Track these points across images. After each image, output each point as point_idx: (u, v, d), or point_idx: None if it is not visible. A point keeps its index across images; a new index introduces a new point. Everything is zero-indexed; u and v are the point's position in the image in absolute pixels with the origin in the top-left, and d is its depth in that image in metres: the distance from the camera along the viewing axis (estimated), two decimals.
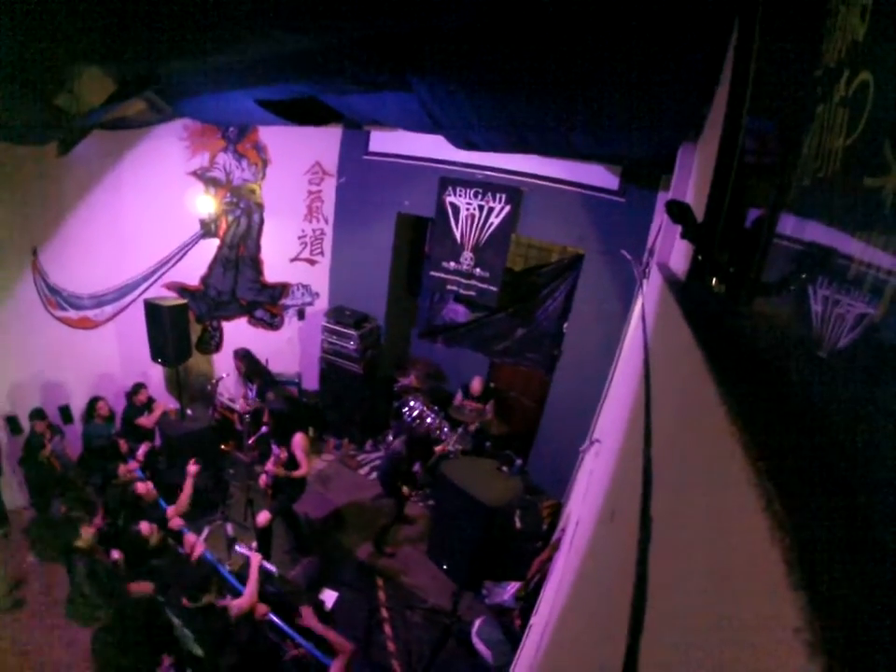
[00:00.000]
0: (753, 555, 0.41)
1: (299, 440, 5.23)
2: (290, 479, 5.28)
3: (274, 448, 5.27)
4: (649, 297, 2.79)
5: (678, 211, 1.30)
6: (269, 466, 5.28)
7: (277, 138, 7.20)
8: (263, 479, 5.39)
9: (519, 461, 5.69)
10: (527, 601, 4.40)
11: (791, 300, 1.06)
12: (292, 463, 5.24)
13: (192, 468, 5.24)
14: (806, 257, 1.16)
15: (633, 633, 0.66)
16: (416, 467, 5.77)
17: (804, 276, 1.07)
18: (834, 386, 0.65)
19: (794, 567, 0.35)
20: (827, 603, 0.32)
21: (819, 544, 0.38)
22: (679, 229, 2.79)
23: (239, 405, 6.99)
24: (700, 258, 1.42)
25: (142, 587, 4.20)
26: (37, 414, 5.82)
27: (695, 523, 0.58)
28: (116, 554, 4.51)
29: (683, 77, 2.47)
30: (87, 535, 4.50)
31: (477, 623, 4.66)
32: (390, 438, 7.54)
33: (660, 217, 4.64)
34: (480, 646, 4.51)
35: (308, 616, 3.75)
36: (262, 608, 4.16)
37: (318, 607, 4.63)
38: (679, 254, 2.51)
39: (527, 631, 3.75)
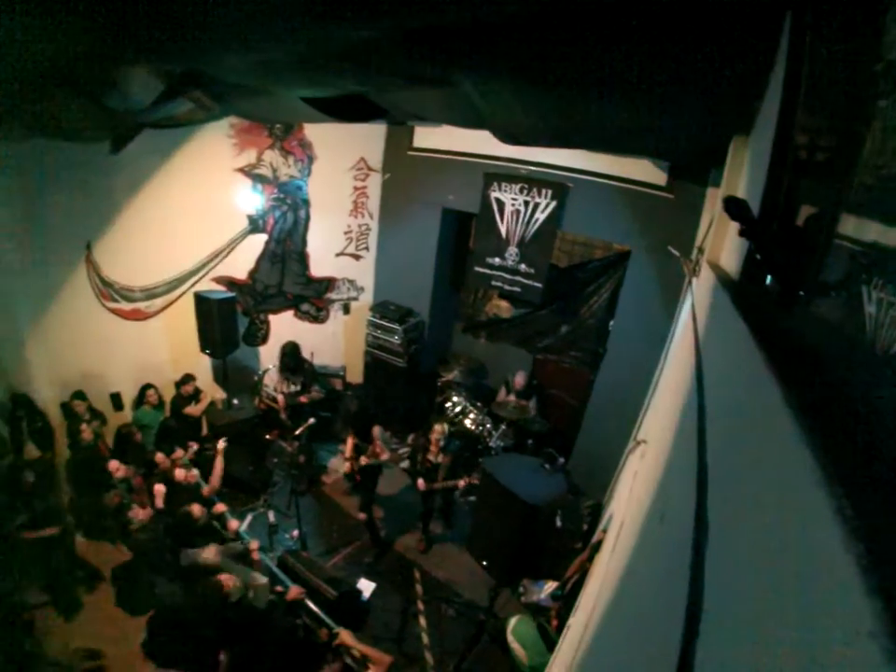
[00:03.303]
0: (824, 561, 0.40)
1: (378, 431, 5.76)
2: (379, 465, 5.86)
3: (348, 440, 5.90)
4: (699, 296, 2.73)
5: (735, 209, 1.27)
6: (363, 459, 5.71)
7: (323, 135, 7.30)
8: (348, 466, 5.92)
9: (561, 459, 5.65)
10: (564, 601, 4.37)
11: (852, 301, 1.03)
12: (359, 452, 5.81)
13: (220, 444, 5.57)
14: (869, 257, 1.12)
15: (687, 637, 0.65)
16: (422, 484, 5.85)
17: (865, 277, 1.04)
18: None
19: (869, 573, 0.35)
20: None
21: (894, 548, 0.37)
22: (730, 226, 2.72)
23: (279, 400, 7.12)
24: (758, 257, 1.38)
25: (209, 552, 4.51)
26: (77, 395, 6.12)
27: (760, 528, 0.57)
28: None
29: (733, 71, 2.41)
30: (142, 516, 4.77)
31: (513, 621, 4.64)
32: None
33: (709, 214, 4.53)
34: (514, 644, 4.49)
35: (345, 636, 3.82)
36: (296, 589, 4.27)
37: (354, 601, 4.73)
38: (730, 252, 2.45)
39: (565, 632, 3.73)
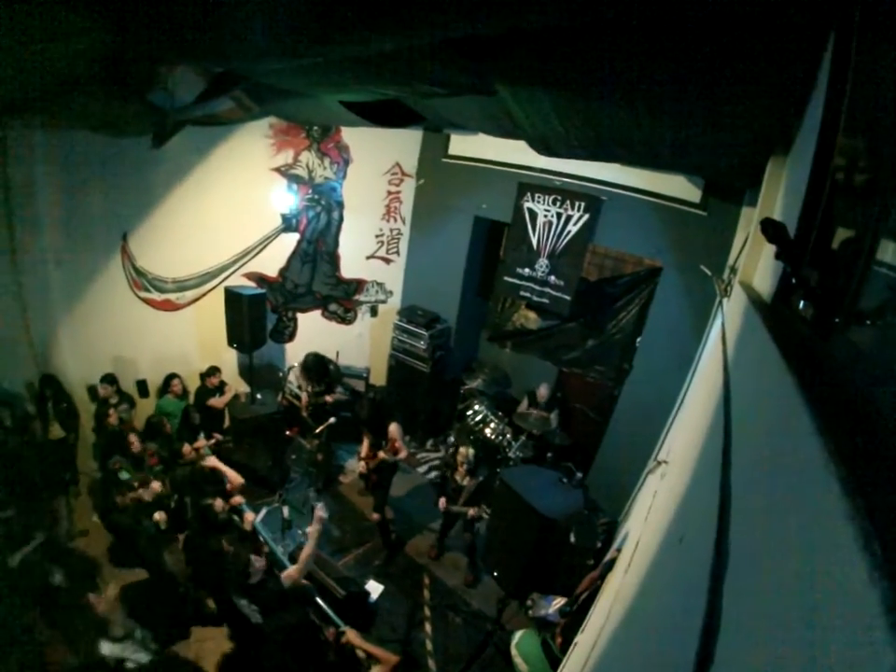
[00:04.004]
0: (848, 595, 0.39)
1: (394, 428, 5.70)
2: (395, 462, 5.83)
3: (364, 439, 5.87)
4: (730, 317, 2.69)
5: (773, 231, 1.24)
6: (381, 454, 5.70)
7: (359, 139, 7.39)
8: (362, 466, 5.89)
9: (579, 474, 5.58)
10: (572, 618, 4.31)
11: (887, 330, 1.01)
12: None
13: (203, 442, 5.67)
14: None
15: (702, 662, 0.64)
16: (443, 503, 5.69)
17: None
18: None
19: (893, 611, 0.34)
20: None
21: None
22: (764, 247, 2.67)
23: (303, 399, 7.16)
24: (794, 280, 1.36)
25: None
26: (106, 379, 6.23)
27: (783, 557, 0.56)
28: (157, 516, 4.91)
29: (774, 90, 2.38)
30: (126, 498, 4.84)
31: (518, 634, 4.60)
32: (451, 439, 7.58)
33: (744, 233, 4.46)
34: (517, 658, 4.45)
35: (352, 635, 3.83)
36: (260, 562, 4.29)
37: (362, 601, 4.72)
38: (764, 273, 2.41)
39: (571, 649, 3.68)
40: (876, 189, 1.20)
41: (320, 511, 4.42)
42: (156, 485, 5.07)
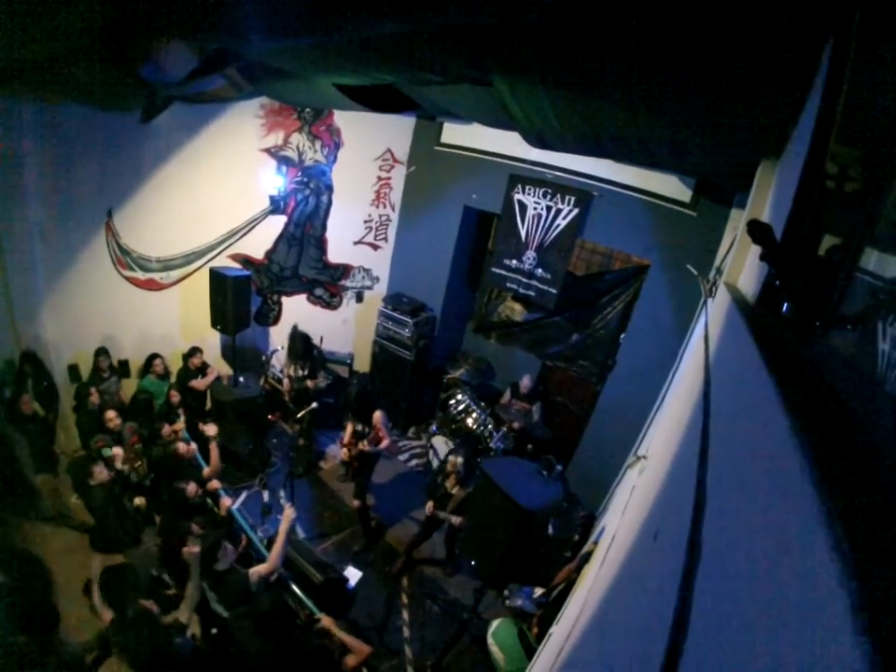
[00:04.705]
0: (817, 596, 0.40)
1: (379, 416, 5.67)
2: (378, 453, 5.80)
3: (348, 426, 5.85)
4: (714, 317, 2.71)
5: (759, 232, 1.25)
6: (362, 445, 5.67)
7: (351, 123, 7.31)
8: (344, 453, 5.85)
9: (559, 467, 5.61)
10: (547, 609, 4.36)
11: (867, 336, 1.02)
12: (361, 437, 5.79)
13: (210, 430, 5.56)
14: (889, 293, 1.11)
15: (670, 657, 0.65)
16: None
17: (883, 313, 1.03)
18: None
19: (861, 612, 0.34)
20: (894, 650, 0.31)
21: (889, 590, 0.36)
22: (751, 249, 2.69)
23: (285, 384, 7.11)
24: (777, 283, 1.37)
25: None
26: (102, 352, 6.20)
27: (755, 555, 0.57)
28: (137, 501, 4.92)
29: (773, 90, 2.39)
30: (100, 475, 4.80)
31: (494, 623, 4.65)
32: (434, 428, 7.58)
33: (731, 234, 4.49)
34: (493, 647, 4.49)
35: (328, 623, 3.82)
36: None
37: (339, 587, 4.72)
38: (749, 275, 2.43)
39: (546, 640, 3.72)
40: (865, 196, 1.21)
41: (289, 510, 4.41)
42: (117, 451, 5.06)
